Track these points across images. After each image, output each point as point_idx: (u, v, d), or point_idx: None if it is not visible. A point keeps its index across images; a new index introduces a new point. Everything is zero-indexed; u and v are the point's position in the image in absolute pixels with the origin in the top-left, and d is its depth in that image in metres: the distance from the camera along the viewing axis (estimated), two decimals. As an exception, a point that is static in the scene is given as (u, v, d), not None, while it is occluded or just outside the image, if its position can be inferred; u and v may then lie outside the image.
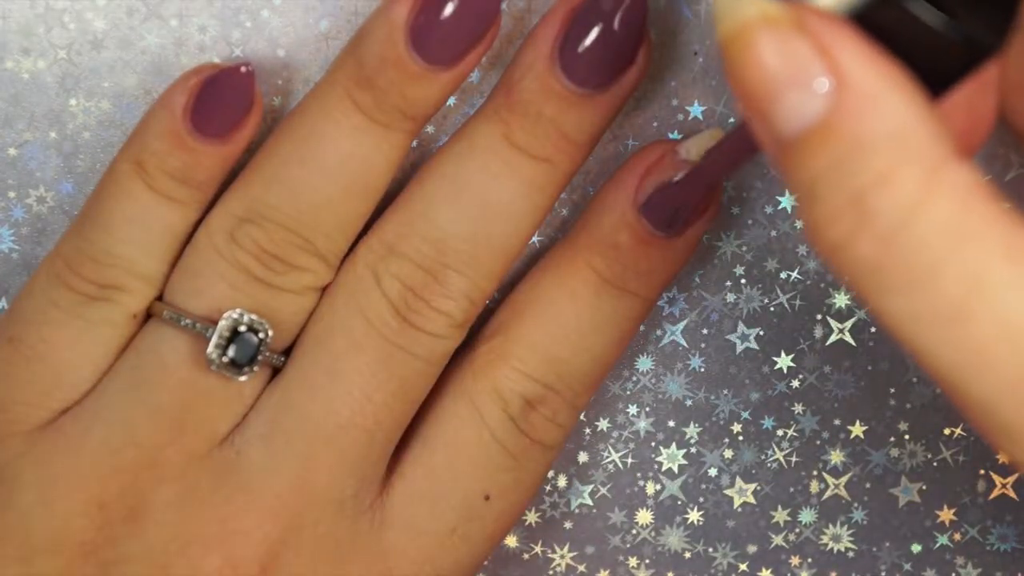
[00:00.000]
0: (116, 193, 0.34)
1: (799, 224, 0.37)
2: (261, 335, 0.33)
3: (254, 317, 0.33)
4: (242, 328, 0.33)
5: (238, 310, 0.33)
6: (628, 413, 0.38)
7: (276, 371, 0.35)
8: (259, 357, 0.34)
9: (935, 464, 0.39)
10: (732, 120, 0.36)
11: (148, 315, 0.34)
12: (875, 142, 0.24)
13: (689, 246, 0.35)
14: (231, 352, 0.33)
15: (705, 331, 0.38)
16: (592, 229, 0.35)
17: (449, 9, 0.32)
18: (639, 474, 0.39)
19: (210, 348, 0.33)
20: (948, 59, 0.24)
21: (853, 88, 0.24)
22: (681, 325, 0.38)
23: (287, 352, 0.35)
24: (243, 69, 0.33)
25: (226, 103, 0.33)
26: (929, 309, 0.24)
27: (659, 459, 0.39)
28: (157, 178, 0.33)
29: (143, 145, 0.33)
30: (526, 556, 0.39)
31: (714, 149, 0.33)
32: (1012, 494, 0.39)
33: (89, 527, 0.33)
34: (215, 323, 0.33)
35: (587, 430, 0.38)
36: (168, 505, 0.34)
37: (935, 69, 0.24)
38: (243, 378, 0.34)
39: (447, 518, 0.35)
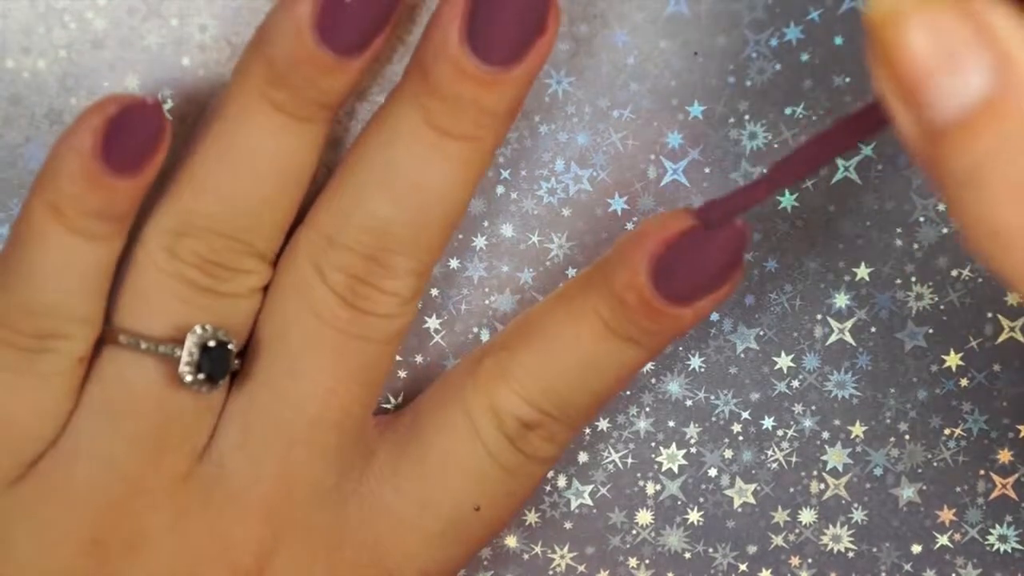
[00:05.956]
0: (36, 241, 0.33)
1: (799, 224, 0.37)
2: (230, 346, 0.34)
3: (218, 330, 0.34)
4: (212, 343, 0.33)
5: (203, 325, 0.33)
6: (628, 413, 0.38)
7: (234, 375, 0.35)
8: (231, 368, 0.34)
9: (935, 464, 0.39)
10: (732, 120, 0.36)
11: (98, 346, 0.34)
12: None
13: (698, 316, 0.34)
14: (206, 368, 0.33)
15: (705, 331, 0.38)
16: (607, 277, 0.34)
17: None
18: (639, 474, 0.39)
19: (182, 367, 0.33)
20: None
21: (1019, 65, 0.23)
22: (681, 325, 0.38)
23: (241, 355, 0.35)
24: (149, 101, 0.32)
25: (137, 138, 0.32)
26: None
27: (659, 459, 0.38)
28: (76, 220, 0.32)
29: (56, 189, 0.32)
30: (526, 556, 0.39)
31: (782, 162, 0.31)
32: (1012, 494, 0.39)
33: (91, 566, 0.33)
34: (177, 342, 0.33)
35: (587, 430, 0.38)
36: (164, 530, 0.34)
37: None
38: (216, 391, 0.34)
39: (436, 523, 0.35)
